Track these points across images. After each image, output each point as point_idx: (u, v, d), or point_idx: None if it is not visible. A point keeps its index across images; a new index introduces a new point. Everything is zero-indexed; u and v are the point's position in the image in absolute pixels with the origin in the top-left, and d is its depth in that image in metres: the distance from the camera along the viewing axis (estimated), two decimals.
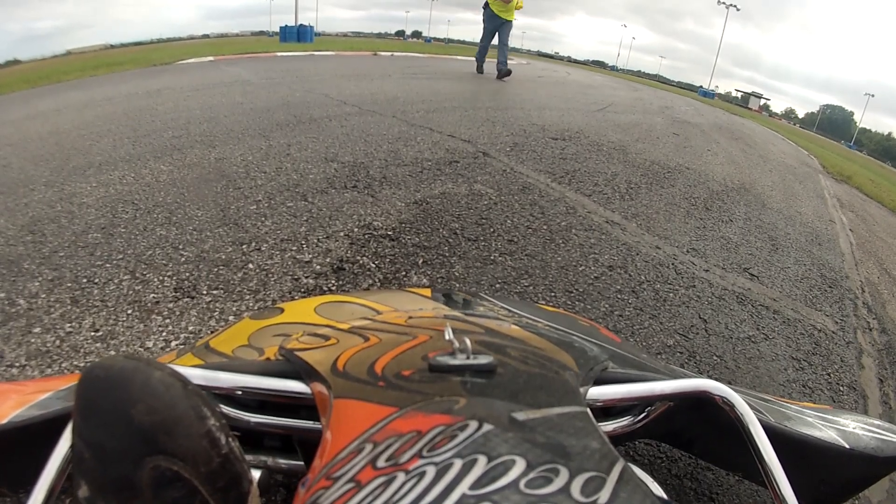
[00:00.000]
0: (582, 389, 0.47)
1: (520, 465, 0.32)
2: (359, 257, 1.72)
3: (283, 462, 0.56)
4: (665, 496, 0.49)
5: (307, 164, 2.62)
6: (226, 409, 0.53)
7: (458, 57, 12.54)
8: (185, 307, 1.38)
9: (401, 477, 0.31)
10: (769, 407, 0.66)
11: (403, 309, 0.74)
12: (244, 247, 1.73)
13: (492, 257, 1.85)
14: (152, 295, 1.42)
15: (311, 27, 16.65)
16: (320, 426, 0.44)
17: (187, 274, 1.54)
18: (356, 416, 0.39)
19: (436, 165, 2.80)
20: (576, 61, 55.45)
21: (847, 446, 0.59)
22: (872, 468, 0.61)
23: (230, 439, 0.35)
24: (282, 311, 0.79)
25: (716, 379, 0.52)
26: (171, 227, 1.85)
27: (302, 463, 0.56)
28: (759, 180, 4.29)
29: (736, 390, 0.51)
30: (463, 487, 0.30)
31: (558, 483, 0.30)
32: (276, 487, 0.76)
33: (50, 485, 0.36)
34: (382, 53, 12.05)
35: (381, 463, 0.33)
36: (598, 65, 61.02)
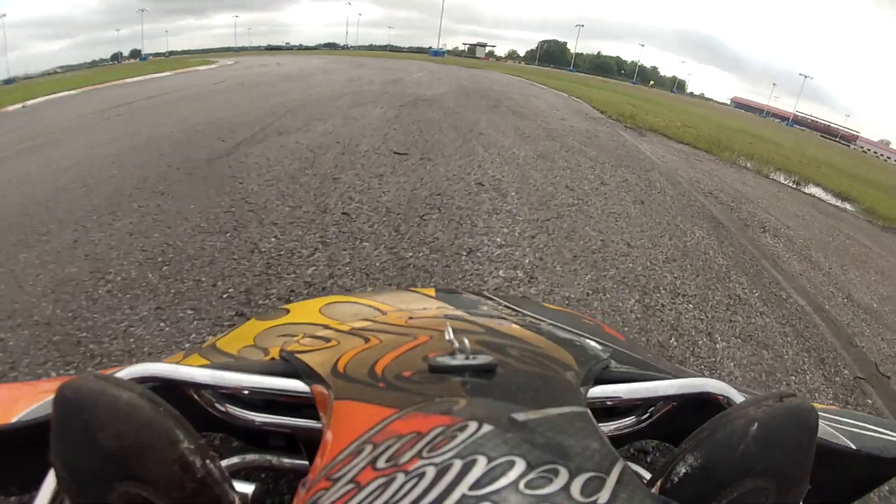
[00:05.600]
0: (582, 389, 0.47)
1: (519, 465, 0.32)
2: None
3: (287, 461, 0.56)
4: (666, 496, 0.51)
5: None
6: (231, 408, 0.51)
7: (158, 74, 11.89)
8: None
9: (401, 478, 0.31)
10: None
11: (407, 309, 0.74)
12: None
13: None
14: None
15: None
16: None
17: None
18: (356, 418, 0.39)
19: None
20: (308, 48, 56.41)
21: (853, 447, 0.58)
22: (879, 469, 0.60)
23: (208, 461, 0.34)
24: (287, 311, 0.79)
25: (719, 379, 0.53)
26: None
27: (306, 462, 0.55)
28: (590, 205, 4.73)
29: (741, 391, 0.51)
30: (463, 488, 0.30)
31: (558, 483, 0.31)
32: (273, 498, 0.75)
33: (55, 488, 0.35)
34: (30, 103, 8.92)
35: (381, 464, 0.33)
36: (331, 46, 60.37)
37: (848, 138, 54.77)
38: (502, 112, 8.02)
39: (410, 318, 0.66)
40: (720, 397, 0.49)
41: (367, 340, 0.56)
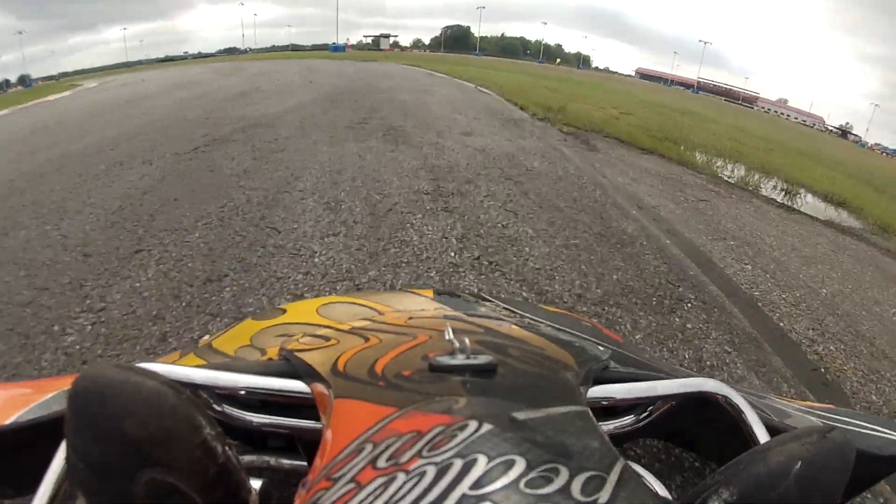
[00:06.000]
0: (582, 388, 0.47)
1: (520, 464, 0.31)
2: None
3: (286, 462, 0.54)
4: (668, 495, 0.45)
5: None
6: (228, 409, 0.50)
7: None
8: None
9: (401, 477, 0.31)
10: (771, 406, 0.64)
11: (405, 310, 0.73)
12: None
13: None
14: None
15: None
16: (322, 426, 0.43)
17: None
18: (356, 417, 0.39)
19: None
20: (207, 55, 53.55)
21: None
22: (876, 467, 0.58)
23: (227, 448, 0.34)
24: (284, 311, 0.78)
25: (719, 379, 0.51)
26: None
27: (305, 463, 0.54)
28: None
29: (738, 390, 0.51)
30: (463, 487, 0.29)
31: (558, 483, 0.30)
32: (279, 494, 0.57)
33: (53, 487, 0.34)
34: None
35: (381, 463, 0.32)
36: (230, 52, 56.27)
37: (749, 100, 58.09)
38: (370, 132, 4.81)
39: (410, 318, 0.65)
40: (718, 396, 0.49)
41: (366, 340, 0.55)
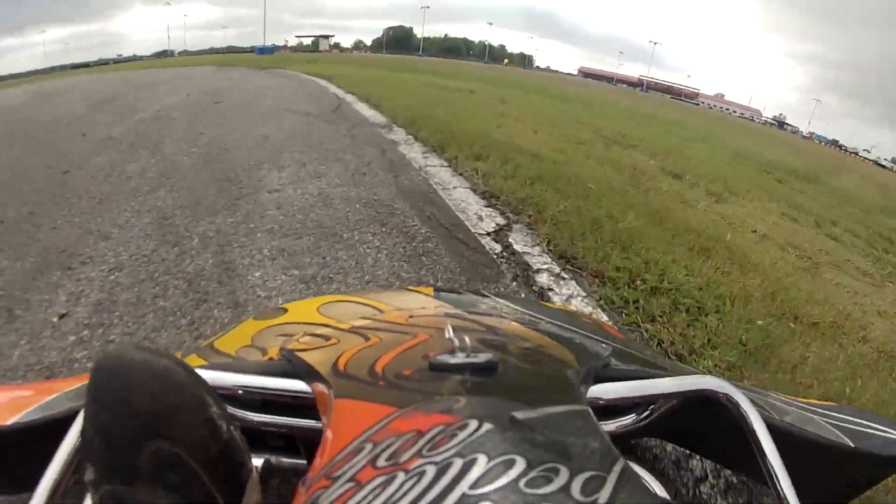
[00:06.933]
0: (583, 387, 0.47)
1: (520, 464, 0.31)
2: None
3: (285, 460, 0.55)
4: (667, 496, 0.46)
5: None
6: (230, 408, 0.49)
7: None
8: None
9: (401, 476, 0.31)
10: (774, 405, 0.63)
11: (405, 308, 0.74)
12: None
13: None
14: None
15: None
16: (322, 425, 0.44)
17: None
18: (356, 416, 0.39)
19: None
20: (141, 58, 54.61)
21: (852, 445, 0.56)
22: (878, 467, 0.57)
23: (231, 428, 0.35)
24: (285, 311, 0.80)
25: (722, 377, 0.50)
26: None
27: (305, 462, 0.55)
28: None
29: (741, 388, 0.50)
30: (463, 487, 0.29)
31: (558, 482, 0.30)
32: (279, 477, 0.62)
33: (55, 481, 0.35)
34: None
35: (381, 462, 0.33)
36: (162, 55, 57.95)
37: (690, 96, 59.74)
38: None
39: (410, 316, 0.65)
40: (720, 395, 0.48)
41: (366, 339, 0.56)
